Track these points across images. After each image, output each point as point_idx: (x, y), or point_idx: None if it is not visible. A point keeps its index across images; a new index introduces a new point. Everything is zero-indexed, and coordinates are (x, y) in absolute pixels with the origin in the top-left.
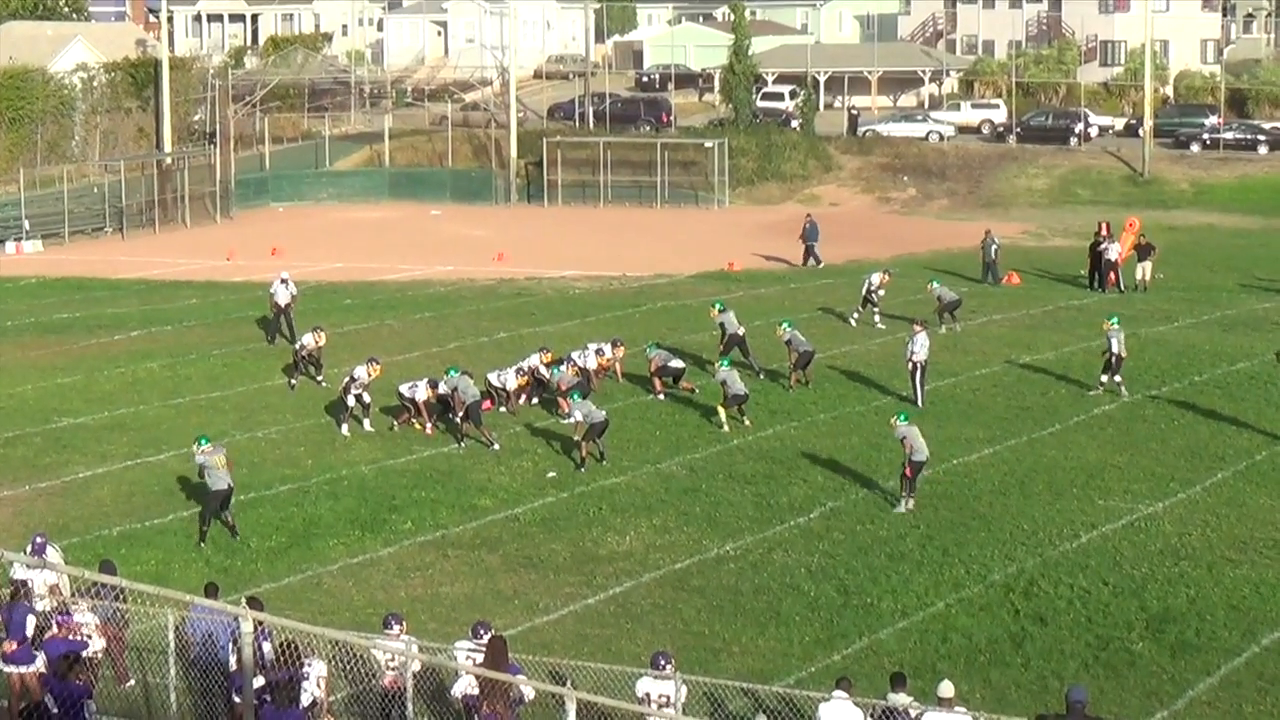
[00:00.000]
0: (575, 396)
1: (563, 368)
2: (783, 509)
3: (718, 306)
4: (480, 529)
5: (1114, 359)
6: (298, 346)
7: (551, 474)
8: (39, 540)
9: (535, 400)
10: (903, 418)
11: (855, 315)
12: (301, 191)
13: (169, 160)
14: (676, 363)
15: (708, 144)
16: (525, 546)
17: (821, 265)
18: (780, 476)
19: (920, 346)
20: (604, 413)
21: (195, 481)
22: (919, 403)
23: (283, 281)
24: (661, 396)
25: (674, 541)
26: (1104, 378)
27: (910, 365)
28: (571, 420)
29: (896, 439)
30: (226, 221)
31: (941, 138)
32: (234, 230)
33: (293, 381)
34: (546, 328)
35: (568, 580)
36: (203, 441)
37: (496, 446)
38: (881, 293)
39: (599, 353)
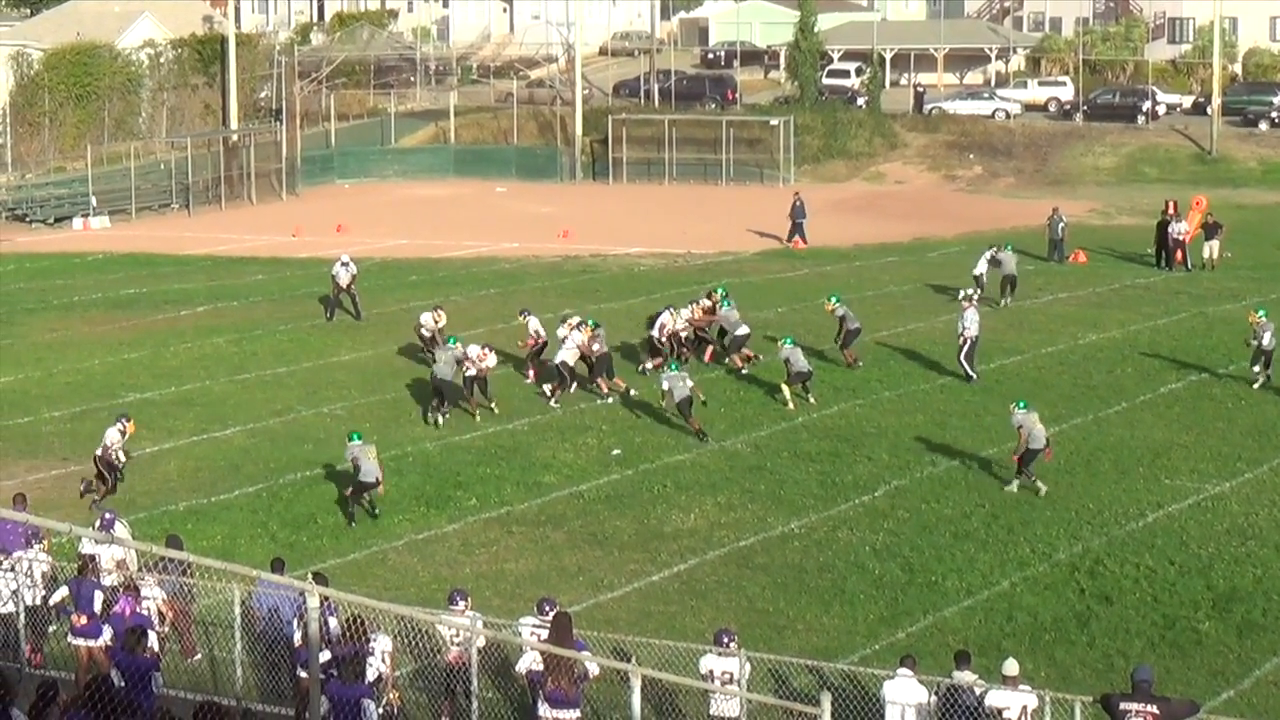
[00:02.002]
0: (673, 366)
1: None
2: (847, 487)
3: (720, 292)
4: (545, 506)
5: (1265, 355)
6: (416, 326)
7: (616, 451)
8: (108, 516)
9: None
10: (1021, 405)
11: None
12: (367, 168)
13: (235, 137)
14: (743, 329)
15: (773, 121)
16: (590, 523)
17: (806, 243)
18: (845, 454)
19: (971, 322)
20: (689, 387)
21: (259, 455)
22: (971, 378)
23: (343, 264)
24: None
25: (739, 519)
26: (1255, 369)
27: (961, 341)
28: (661, 389)
29: (1013, 426)
30: (292, 198)
31: (1008, 115)
32: (300, 207)
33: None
34: (611, 304)
35: (632, 557)
36: (354, 438)
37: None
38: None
39: (694, 304)
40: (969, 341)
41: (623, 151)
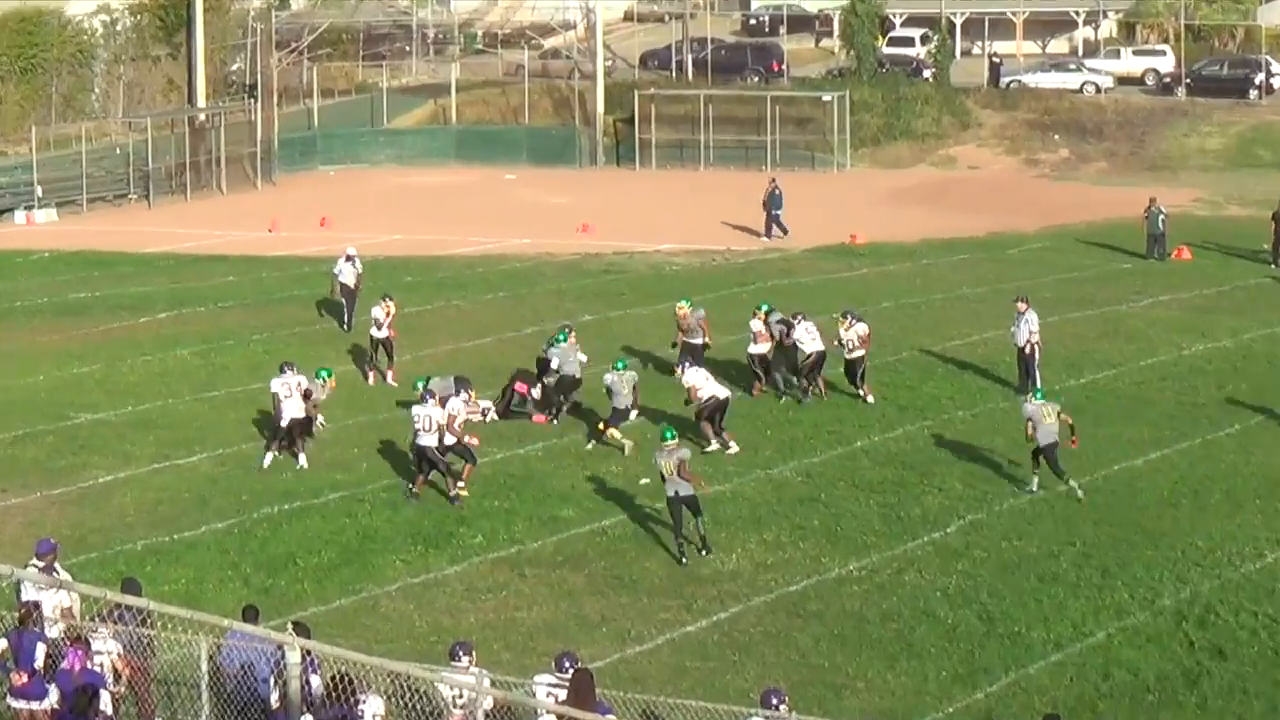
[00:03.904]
0: (561, 338)
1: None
2: (915, 522)
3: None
4: (562, 544)
5: None
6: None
7: (644, 480)
8: (47, 544)
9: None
10: (1038, 395)
11: None
12: (355, 152)
13: (203, 117)
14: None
15: (825, 98)
16: (615, 565)
17: (788, 234)
18: (912, 484)
19: (1029, 324)
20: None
21: (230, 485)
22: (1035, 389)
23: (348, 259)
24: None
25: (788, 560)
26: None
27: (1028, 346)
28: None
29: (1022, 418)
30: (269, 187)
31: (1098, 90)
32: (277, 197)
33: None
34: (639, 310)
35: (664, 604)
36: (667, 436)
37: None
38: None
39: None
40: (1033, 347)
41: (651, 133)
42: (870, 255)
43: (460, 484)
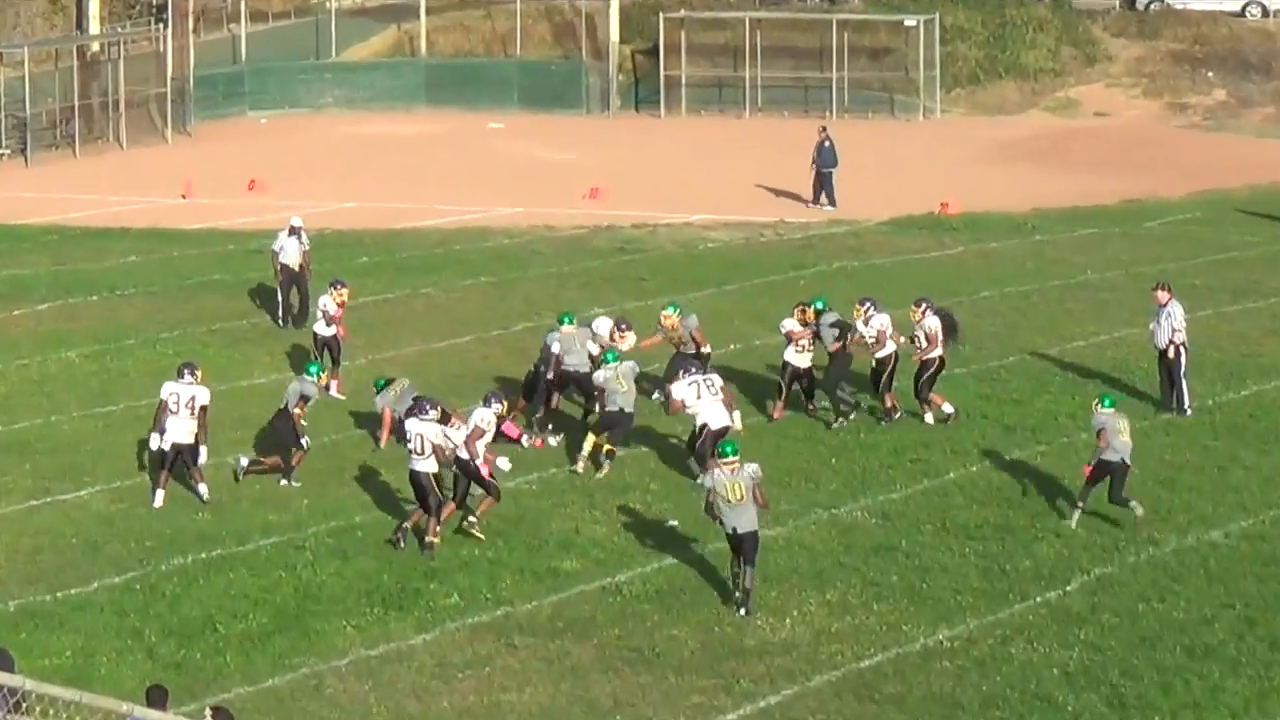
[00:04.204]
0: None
1: None
2: (1024, 578)
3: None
4: (562, 605)
5: None
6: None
7: (672, 522)
8: None
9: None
10: (1107, 402)
11: None
12: (294, 94)
13: (96, 47)
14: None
15: (909, 22)
16: (631, 633)
17: (816, 203)
18: (1020, 528)
19: (1172, 320)
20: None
21: (130, 528)
22: (1182, 405)
23: (293, 232)
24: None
25: (858, 627)
26: None
27: (1170, 349)
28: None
29: (1093, 428)
30: (182, 139)
31: (1265, 12)
32: (193, 152)
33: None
34: (664, 300)
35: (696, 684)
36: (727, 451)
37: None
38: None
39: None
40: (1179, 349)
41: (680, 68)
42: (966, 229)
43: (438, 527)
